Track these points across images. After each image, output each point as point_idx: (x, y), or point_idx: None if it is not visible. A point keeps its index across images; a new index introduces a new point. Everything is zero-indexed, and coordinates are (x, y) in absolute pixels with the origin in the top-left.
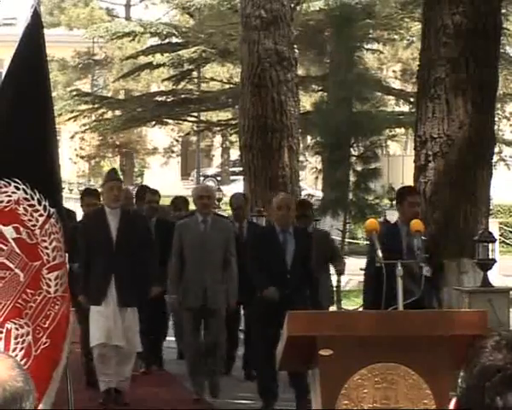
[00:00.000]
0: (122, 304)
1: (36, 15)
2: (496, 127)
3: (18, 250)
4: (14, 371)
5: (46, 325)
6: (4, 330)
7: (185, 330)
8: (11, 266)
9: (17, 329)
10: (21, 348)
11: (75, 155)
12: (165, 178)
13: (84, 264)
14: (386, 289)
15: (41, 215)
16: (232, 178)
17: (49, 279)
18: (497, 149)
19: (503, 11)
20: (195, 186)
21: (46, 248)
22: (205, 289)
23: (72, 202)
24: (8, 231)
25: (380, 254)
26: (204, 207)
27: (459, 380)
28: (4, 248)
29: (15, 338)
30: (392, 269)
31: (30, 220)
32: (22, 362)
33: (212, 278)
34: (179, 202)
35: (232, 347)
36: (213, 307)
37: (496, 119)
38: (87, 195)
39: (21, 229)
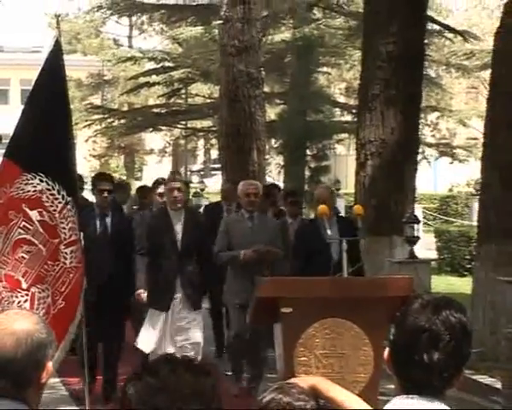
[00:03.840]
0: (189, 308)
1: (57, 44)
2: (420, 133)
3: (41, 230)
4: (39, 325)
5: (62, 290)
6: (30, 294)
7: (232, 326)
8: (36, 242)
9: (39, 292)
10: (43, 308)
11: (88, 154)
12: (159, 173)
13: (147, 266)
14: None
15: (60, 202)
16: (212, 172)
17: (66, 253)
18: (420, 150)
19: (426, 41)
20: (243, 182)
21: (64, 228)
22: (253, 285)
23: (85, 192)
24: (34, 215)
25: (329, 232)
26: (250, 204)
27: (390, 336)
28: (30, 228)
29: (38, 300)
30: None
31: (51, 206)
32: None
33: (259, 275)
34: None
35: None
36: None
37: (420, 126)
38: (159, 185)
39: (44, 213)
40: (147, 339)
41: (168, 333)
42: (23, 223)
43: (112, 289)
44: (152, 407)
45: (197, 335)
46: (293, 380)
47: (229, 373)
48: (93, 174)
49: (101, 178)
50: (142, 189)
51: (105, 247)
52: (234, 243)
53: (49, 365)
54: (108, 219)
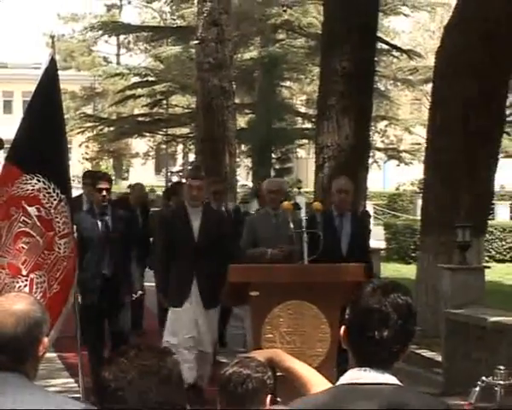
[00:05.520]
0: (207, 306)
1: (53, 61)
2: (370, 139)
3: (38, 223)
4: (35, 306)
5: (57, 276)
6: (29, 279)
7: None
8: (34, 234)
9: (37, 278)
10: (40, 292)
11: (82, 157)
12: (143, 174)
13: (163, 263)
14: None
15: (55, 199)
16: None
17: (60, 244)
18: (371, 154)
19: (376, 59)
20: (267, 180)
21: (58, 222)
22: None
23: (79, 191)
24: (32, 210)
25: (291, 225)
26: (272, 201)
27: (346, 316)
28: (29, 221)
29: (36, 285)
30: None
31: (47, 203)
32: (40, 301)
33: None
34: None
35: None
36: None
37: (370, 133)
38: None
39: (41, 209)
40: (172, 337)
41: (188, 328)
42: (22, 218)
43: (112, 288)
44: (125, 382)
45: (212, 333)
46: (252, 353)
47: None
48: (85, 174)
49: (100, 177)
50: (169, 189)
51: (105, 245)
52: (259, 239)
53: (45, 340)
54: (108, 218)
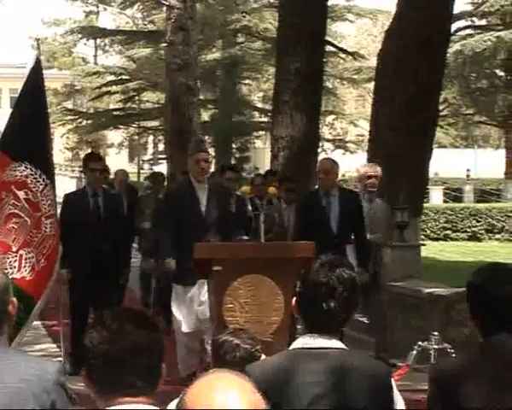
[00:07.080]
0: None
1: (38, 61)
2: (320, 131)
3: (27, 206)
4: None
5: (44, 252)
6: (18, 255)
7: None
8: (22, 215)
9: (26, 254)
10: (29, 266)
11: (63, 147)
12: (118, 163)
13: (171, 240)
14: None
15: (41, 184)
16: (160, 162)
17: (46, 224)
18: (320, 144)
19: (324, 60)
20: (364, 164)
21: (44, 204)
22: None
23: (60, 177)
24: (21, 194)
25: (249, 207)
26: (372, 185)
27: (297, 289)
28: (18, 204)
29: (25, 260)
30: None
31: (34, 187)
32: (29, 274)
33: None
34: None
35: None
36: None
37: (320, 125)
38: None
39: (29, 192)
40: (181, 320)
41: (196, 308)
42: (12, 200)
43: (103, 266)
44: (103, 354)
45: None
46: None
47: None
48: (83, 157)
49: (93, 158)
50: (153, 175)
51: (97, 225)
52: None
53: (14, 299)
54: (100, 199)
